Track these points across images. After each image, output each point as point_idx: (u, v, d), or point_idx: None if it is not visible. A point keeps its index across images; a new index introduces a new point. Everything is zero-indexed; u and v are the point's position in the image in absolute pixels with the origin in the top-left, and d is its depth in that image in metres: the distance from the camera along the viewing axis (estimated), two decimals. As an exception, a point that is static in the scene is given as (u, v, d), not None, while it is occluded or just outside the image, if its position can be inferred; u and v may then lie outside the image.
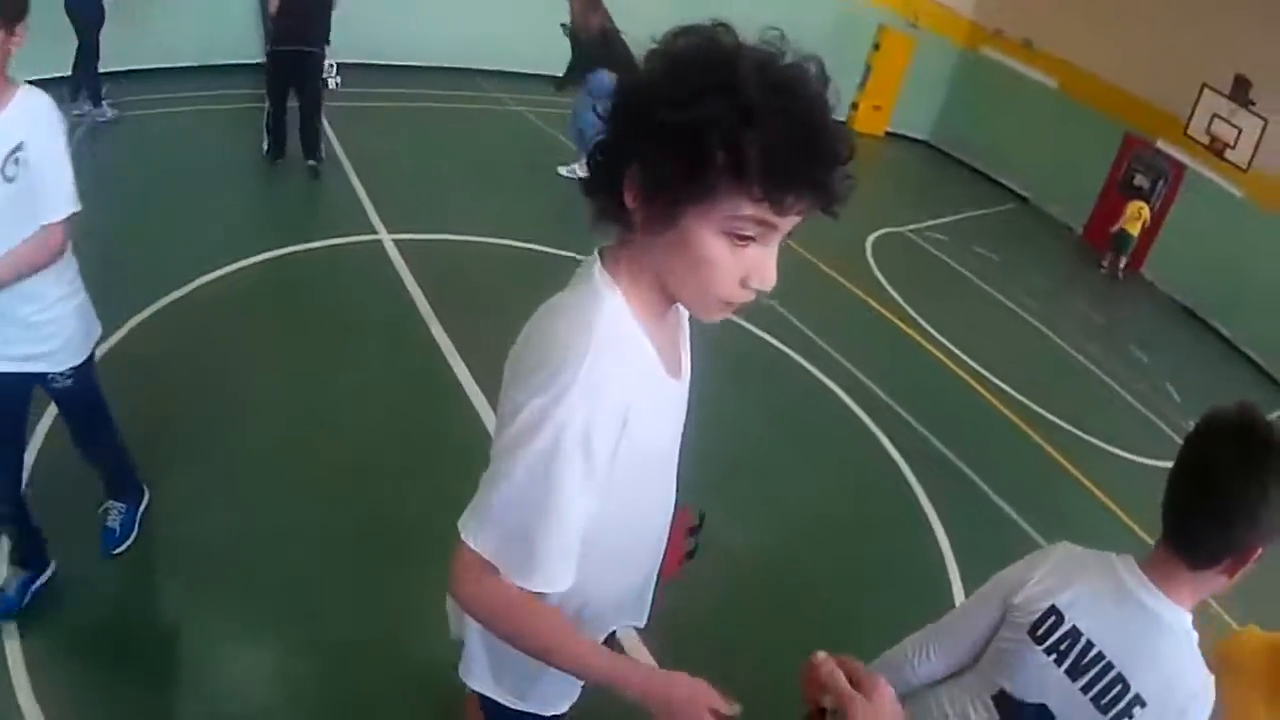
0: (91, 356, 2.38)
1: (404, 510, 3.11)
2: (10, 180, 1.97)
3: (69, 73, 6.12)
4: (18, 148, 1.96)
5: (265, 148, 6.09)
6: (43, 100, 2.03)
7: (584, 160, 6.15)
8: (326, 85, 7.09)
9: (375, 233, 5.32)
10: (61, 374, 2.28)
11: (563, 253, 5.06)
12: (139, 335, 3.79)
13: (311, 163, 6.05)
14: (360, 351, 4.08)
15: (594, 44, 6.21)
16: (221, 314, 4.12)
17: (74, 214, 2.10)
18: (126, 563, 2.69)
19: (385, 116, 7.87)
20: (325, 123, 6.37)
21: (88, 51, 6.23)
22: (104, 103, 6.35)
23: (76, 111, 6.04)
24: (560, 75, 6.96)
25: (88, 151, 5.65)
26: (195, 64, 7.48)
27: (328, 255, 4.97)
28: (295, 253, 4.90)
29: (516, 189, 6.71)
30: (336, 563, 2.86)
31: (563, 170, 7.01)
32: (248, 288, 4.43)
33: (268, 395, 3.62)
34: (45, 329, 2.19)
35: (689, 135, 0.91)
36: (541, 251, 5.39)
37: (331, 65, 7.61)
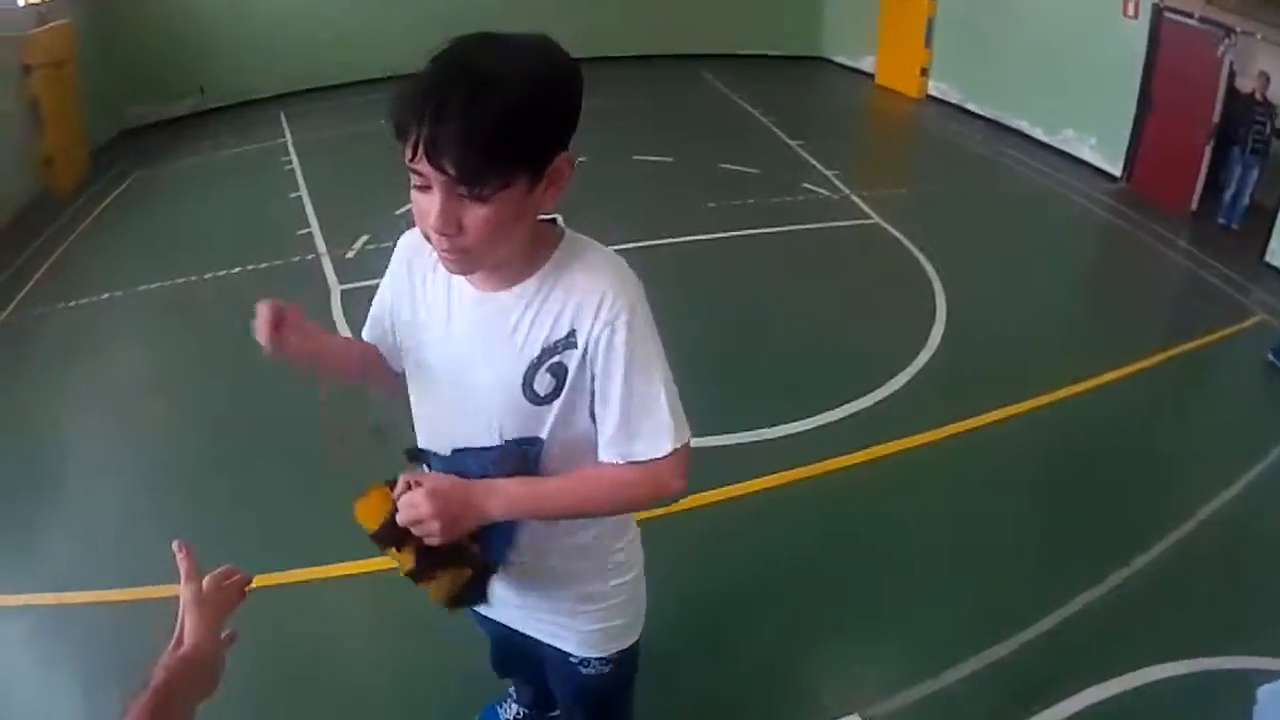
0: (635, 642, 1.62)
1: None
2: (541, 401, 1.21)
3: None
4: (564, 342, 1.18)
5: None
6: (609, 274, 1.19)
7: None
8: None
9: None
10: (584, 659, 1.53)
11: None
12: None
13: None
14: None
15: None
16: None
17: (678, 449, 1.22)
18: None
19: None
20: None
21: None
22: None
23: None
24: None
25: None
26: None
27: None
28: None
29: None
30: None
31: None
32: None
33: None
34: (566, 599, 1.46)
35: None
36: None
37: None
